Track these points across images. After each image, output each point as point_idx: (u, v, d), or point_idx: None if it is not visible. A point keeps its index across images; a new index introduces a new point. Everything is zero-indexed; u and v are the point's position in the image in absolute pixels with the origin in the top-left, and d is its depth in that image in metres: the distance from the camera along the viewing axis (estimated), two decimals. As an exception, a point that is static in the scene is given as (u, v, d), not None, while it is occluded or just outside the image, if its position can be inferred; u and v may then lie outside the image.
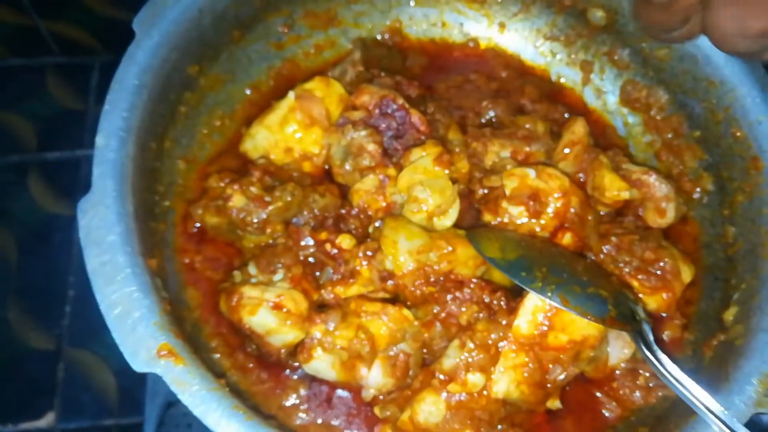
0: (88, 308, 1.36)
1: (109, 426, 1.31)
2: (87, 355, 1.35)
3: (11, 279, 1.39)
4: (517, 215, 0.80)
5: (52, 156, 1.49)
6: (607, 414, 0.80)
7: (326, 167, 0.87)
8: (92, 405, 1.32)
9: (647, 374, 0.79)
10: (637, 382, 0.79)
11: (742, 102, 0.82)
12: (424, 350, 0.76)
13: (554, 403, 0.77)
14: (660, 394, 0.78)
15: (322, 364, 0.74)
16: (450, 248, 0.76)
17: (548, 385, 0.74)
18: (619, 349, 0.79)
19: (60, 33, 1.53)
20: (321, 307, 0.77)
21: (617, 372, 0.80)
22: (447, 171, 0.80)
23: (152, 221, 0.77)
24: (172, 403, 0.74)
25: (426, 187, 0.78)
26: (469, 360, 0.72)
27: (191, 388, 0.62)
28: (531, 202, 0.79)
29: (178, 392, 0.61)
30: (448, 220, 0.79)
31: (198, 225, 0.83)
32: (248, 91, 0.93)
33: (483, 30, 1.03)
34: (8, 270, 1.39)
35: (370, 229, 0.81)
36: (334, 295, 0.77)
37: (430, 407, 0.72)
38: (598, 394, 0.80)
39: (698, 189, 0.89)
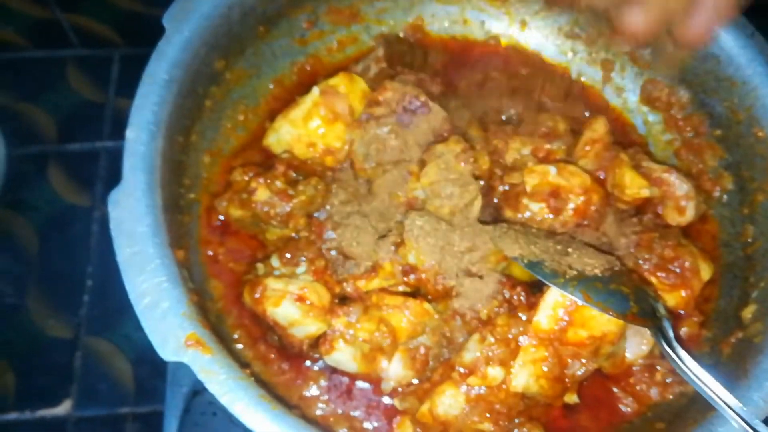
0: (105, 298, 1.38)
1: (125, 414, 1.32)
2: (104, 344, 1.36)
3: (31, 268, 1.40)
4: (537, 212, 0.81)
5: (72, 147, 1.50)
6: (623, 409, 0.80)
7: (349, 162, 0.88)
8: (109, 393, 1.33)
9: (664, 370, 0.80)
10: (655, 378, 0.80)
11: (764, 102, 0.83)
12: (444, 344, 0.77)
13: (571, 398, 0.78)
14: (677, 390, 0.79)
15: (343, 356, 0.75)
16: (471, 243, 0.76)
17: (566, 380, 0.75)
18: (636, 345, 0.80)
19: (81, 25, 1.54)
20: (343, 300, 0.78)
21: (634, 368, 0.81)
22: (469, 167, 0.81)
23: (178, 213, 0.79)
24: (197, 391, 0.76)
25: (448, 182, 0.79)
26: (489, 354, 0.73)
27: (218, 377, 0.63)
28: (552, 199, 0.80)
29: (206, 381, 0.62)
30: (470, 215, 0.80)
31: (222, 218, 0.85)
32: (272, 86, 0.94)
33: (504, 28, 1.03)
34: (28, 259, 1.41)
35: (392, 224, 0.82)
36: (355, 288, 0.78)
37: (449, 400, 0.73)
38: (615, 390, 0.81)
39: (718, 188, 0.89)
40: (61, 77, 1.55)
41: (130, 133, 0.71)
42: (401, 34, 1.02)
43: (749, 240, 0.84)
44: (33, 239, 1.43)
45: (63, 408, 1.33)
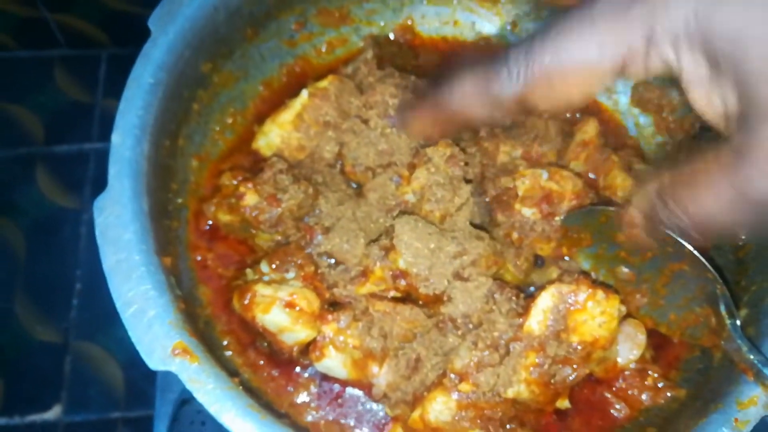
0: (94, 302, 1.37)
1: (115, 419, 1.31)
2: (94, 348, 1.36)
3: (19, 272, 1.39)
4: (529, 216, 0.80)
5: (59, 149, 1.49)
6: (615, 414, 0.80)
7: (338, 166, 0.87)
8: (99, 398, 1.32)
9: (656, 375, 0.80)
10: (646, 382, 0.80)
11: (755, 105, 0.82)
12: (436, 349, 0.76)
13: (563, 403, 0.77)
14: (669, 394, 0.79)
15: (333, 363, 0.74)
16: (462, 247, 0.76)
17: (558, 385, 0.74)
18: (628, 349, 0.79)
19: (68, 25, 1.53)
20: (333, 306, 0.77)
21: (626, 372, 0.80)
22: (459, 171, 0.80)
23: (166, 219, 0.78)
24: (186, 400, 0.74)
25: (439, 186, 0.78)
26: (480, 360, 0.72)
27: (206, 386, 0.62)
28: (544, 204, 0.79)
29: (193, 390, 0.62)
30: (461, 219, 0.79)
31: (210, 223, 0.84)
32: (261, 89, 0.94)
33: (495, 29, 1.03)
34: (16, 263, 1.40)
35: (382, 228, 0.81)
36: (346, 293, 0.77)
37: (440, 406, 0.72)
38: (607, 395, 0.80)
39: (709, 191, 0.89)
40: (49, 78, 1.54)
41: (115, 137, 0.70)
42: (391, 36, 1.01)
43: (740, 243, 0.83)
44: (20, 243, 1.42)
45: (53, 413, 1.32)
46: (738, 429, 0.65)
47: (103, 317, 1.39)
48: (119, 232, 0.66)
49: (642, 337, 0.79)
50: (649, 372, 0.80)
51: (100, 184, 0.69)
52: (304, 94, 0.85)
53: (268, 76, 0.95)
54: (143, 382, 1.35)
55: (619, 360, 0.79)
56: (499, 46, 1.03)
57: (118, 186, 0.68)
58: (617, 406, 0.80)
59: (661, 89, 0.94)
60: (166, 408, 0.84)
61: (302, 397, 0.78)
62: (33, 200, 1.45)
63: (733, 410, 0.66)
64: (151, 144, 0.74)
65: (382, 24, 1.01)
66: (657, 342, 0.81)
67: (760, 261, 0.80)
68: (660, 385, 0.80)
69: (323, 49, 0.98)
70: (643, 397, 0.80)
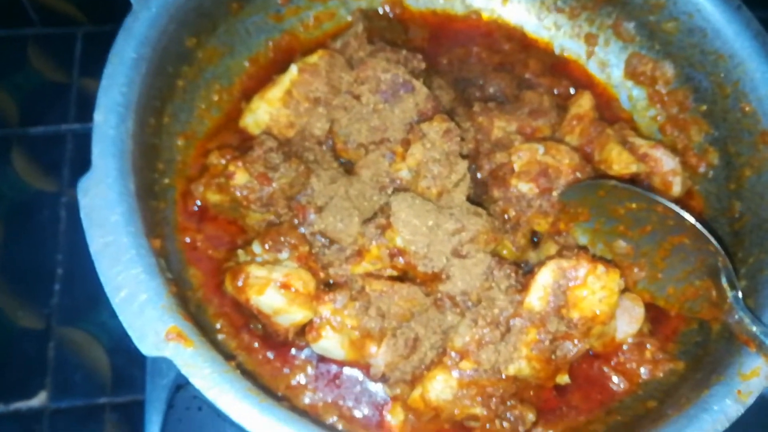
0: (77, 286, 1.34)
1: (102, 404, 1.29)
2: (77, 333, 1.33)
3: (-3, 257, 1.35)
4: (526, 192, 0.79)
5: (35, 131, 1.44)
6: (614, 388, 0.80)
7: (329, 143, 0.85)
8: (85, 383, 1.30)
9: (654, 348, 0.80)
10: (644, 356, 0.80)
11: (752, 76, 0.82)
12: (434, 328, 0.75)
13: (563, 378, 0.76)
14: (667, 367, 0.79)
15: (331, 343, 0.73)
16: (460, 224, 0.74)
17: (558, 361, 0.74)
18: (626, 324, 0.79)
19: (41, 3, 1.48)
20: (328, 286, 0.75)
21: (624, 347, 0.80)
22: (455, 146, 0.78)
23: (152, 200, 0.75)
24: (181, 385, 0.73)
25: (435, 162, 0.77)
26: (481, 337, 0.71)
27: (202, 371, 0.60)
28: (541, 179, 0.78)
29: (189, 376, 0.60)
30: (458, 195, 0.78)
31: (199, 203, 0.81)
32: (247, 64, 0.91)
33: (485, 1, 1.01)
34: (-6, 249, 1.36)
35: (377, 206, 0.79)
36: (342, 273, 0.75)
37: (441, 385, 0.72)
38: (606, 369, 0.80)
39: (704, 163, 0.88)
40: (22, 57, 1.49)
41: (98, 116, 0.67)
42: (380, 9, 0.98)
43: (736, 216, 0.83)
44: (-2, 227, 1.37)
45: (38, 400, 1.29)
46: (741, 400, 0.65)
47: (86, 302, 1.36)
48: (106, 214, 0.64)
49: (640, 311, 0.79)
50: (647, 345, 0.80)
51: (79, 166, 0.66)
52: (294, 69, 0.82)
53: (255, 51, 0.92)
54: (130, 366, 1.32)
55: (617, 334, 0.79)
56: (490, 20, 1.01)
57: (103, 166, 0.65)
58: (616, 380, 0.80)
59: (655, 61, 0.93)
60: (158, 393, 0.82)
61: (299, 379, 0.76)
62: (9, 183, 1.41)
63: (735, 382, 0.66)
64: (136, 122, 0.71)
65: (370, -4, 0.98)
66: (653, 315, 0.81)
67: (756, 233, 0.79)
68: (658, 357, 0.79)
69: (311, 24, 0.95)
70: (642, 370, 0.80)
